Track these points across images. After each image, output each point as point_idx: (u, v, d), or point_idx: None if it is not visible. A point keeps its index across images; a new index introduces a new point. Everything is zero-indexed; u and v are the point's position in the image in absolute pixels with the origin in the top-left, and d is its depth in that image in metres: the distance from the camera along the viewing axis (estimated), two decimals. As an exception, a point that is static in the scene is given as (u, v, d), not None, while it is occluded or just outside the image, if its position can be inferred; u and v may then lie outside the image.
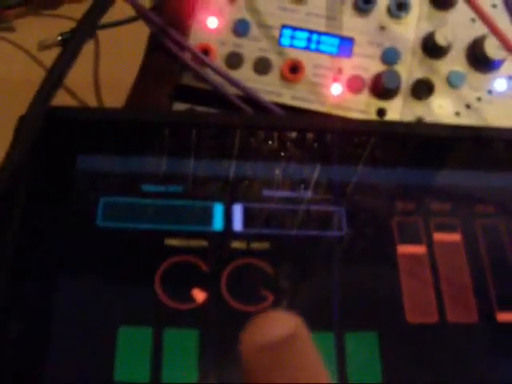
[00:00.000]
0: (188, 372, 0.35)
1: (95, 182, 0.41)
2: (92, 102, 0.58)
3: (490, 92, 0.50)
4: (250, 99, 0.48)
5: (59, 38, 0.60)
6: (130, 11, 0.58)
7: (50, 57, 0.60)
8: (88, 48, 0.60)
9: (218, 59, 0.49)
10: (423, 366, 0.37)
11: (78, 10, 0.62)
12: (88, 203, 0.40)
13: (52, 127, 0.41)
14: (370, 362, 0.37)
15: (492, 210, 0.42)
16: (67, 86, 0.59)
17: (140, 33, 0.56)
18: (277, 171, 0.42)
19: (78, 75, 0.55)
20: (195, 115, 0.44)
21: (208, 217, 0.40)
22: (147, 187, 0.41)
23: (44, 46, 0.60)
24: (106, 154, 0.42)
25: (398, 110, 0.48)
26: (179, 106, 0.49)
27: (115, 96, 0.56)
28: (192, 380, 0.35)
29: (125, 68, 0.56)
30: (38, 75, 0.59)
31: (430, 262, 0.40)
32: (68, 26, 0.62)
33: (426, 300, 0.39)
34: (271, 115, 0.47)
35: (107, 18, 0.59)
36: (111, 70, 0.59)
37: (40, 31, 0.62)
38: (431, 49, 0.48)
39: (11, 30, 0.62)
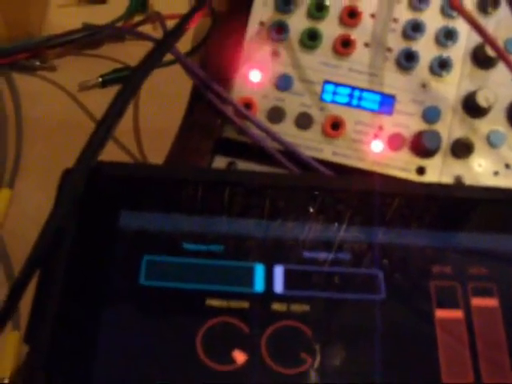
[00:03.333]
0: None
1: (138, 239, 0.41)
2: (133, 148, 0.58)
3: (529, 152, 0.50)
4: (291, 154, 0.48)
5: (100, 79, 0.61)
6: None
7: (89, 98, 0.61)
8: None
9: (260, 113, 0.50)
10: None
11: (119, 51, 0.63)
12: (131, 261, 0.40)
13: (96, 183, 0.42)
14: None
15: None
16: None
17: (181, 76, 0.57)
18: (317, 232, 0.42)
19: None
20: (238, 174, 0.45)
21: (249, 278, 0.40)
22: (189, 246, 0.41)
23: (84, 87, 0.61)
24: (148, 210, 0.42)
25: (437, 168, 0.48)
26: (221, 160, 0.50)
27: (158, 143, 0.56)
28: None
29: (167, 112, 0.57)
30: (77, 116, 0.60)
31: (467, 325, 0.40)
32: (108, 66, 0.63)
33: (462, 362, 0.39)
34: (312, 175, 0.47)
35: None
36: (153, 114, 0.60)
37: (80, 71, 0.63)
38: (472, 108, 0.49)
39: (52, 69, 0.63)
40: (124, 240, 0.41)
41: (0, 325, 0.36)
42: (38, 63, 0.64)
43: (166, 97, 0.60)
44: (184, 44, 0.61)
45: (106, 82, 0.62)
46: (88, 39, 0.64)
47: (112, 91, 0.59)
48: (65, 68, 0.64)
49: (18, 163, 0.56)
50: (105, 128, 0.39)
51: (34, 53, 0.63)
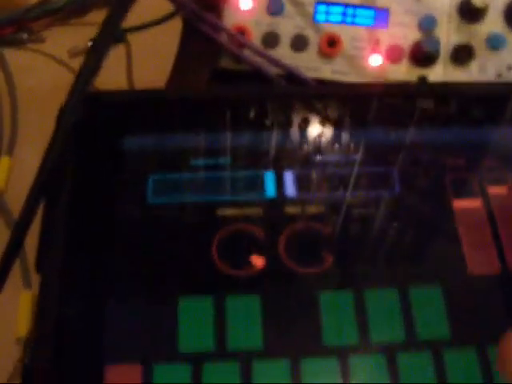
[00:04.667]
0: (252, 338, 0.35)
1: (143, 161, 0.41)
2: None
3: (531, 52, 0.49)
4: (291, 77, 0.48)
5: (90, 43, 0.60)
6: (160, 12, 0.58)
7: (79, 63, 0.60)
8: (120, 52, 0.60)
9: (255, 40, 0.49)
10: (489, 317, 0.36)
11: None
12: (138, 182, 0.40)
13: (97, 111, 0.41)
14: (436, 317, 0.36)
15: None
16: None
17: (172, 34, 0.57)
18: (326, 137, 0.41)
19: (112, 79, 0.56)
20: (236, 89, 0.44)
21: (260, 185, 0.40)
22: (196, 161, 0.40)
23: (74, 54, 0.60)
24: (151, 133, 0.42)
25: (438, 76, 0.48)
26: (218, 89, 0.49)
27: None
28: (257, 346, 0.34)
29: (158, 70, 0.56)
30: (70, 82, 0.59)
31: (488, 214, 0.39)
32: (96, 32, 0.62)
33: (487, 252, 0.38)
34: (318, 85, 0.46)
35: (137, 20, 0.59)
36: (145, 72, 0.59)
37: (70, 41, 0.62)
38: (468, 12, 0.48)
39: (41, 41, 0.62)
40: (129, 163, 0.40)
41: (9, 258, 0.35)
42: (25, 36, 0.63)
43: (160, 54, 0.59)
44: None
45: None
46: (71, 6, 0.63)
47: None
48: (54, 38, 0.63)
49: (14, 132, 0.56)
50: (96, 53, 0.38)
51: (21, 26, 0.63)
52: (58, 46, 0.63)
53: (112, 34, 0.38)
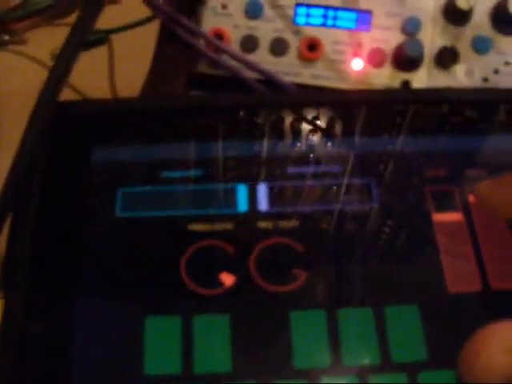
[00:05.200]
0: (221, 360, 0.33)
1: (112, 173, 0.39)
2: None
3: (518, 55, 0.47)
4: (269, 82, 0.46)
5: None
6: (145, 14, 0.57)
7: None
8: (102, 53, 0.59)
9: (233, 44, 0.47)
10: (469, 337, 0.35)
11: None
12: (106, 195, 0.38)
13: (64, 122, 0.40)
14: (412, 338, 0.34)
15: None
16: (83, 92, 0.57)
17: (155, 36, 0.55)
18: (302, 147, 0.40)
19: (94, 81, 0.54)
20: (211, 98, 0.42)
21: (232, 199, 0.38)
22: (167, 173, 0.39)
23: (56, 55, 0.59)
24: (121, 144, 0.40)
25: (422, 80, 0.46)
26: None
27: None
28: (225, 368, 0.33)
29: (142, 71, 0.55)
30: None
31: (469, 227, 0.37)
32: (80, 33, 0.61)
33: (467, 268, 0.36)
34: (293, 93, 0.45)
35: (121, 21, 0.58)
36: (126, 73, 0.58)
37: (52, 42, 0.61)
38: (453, 15, 0.46)
39: (23, 42, 0.61)
40: (99, 175, 0.39)
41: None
42: (7, 37, 0.62)
43: (142, 55, 0.58)
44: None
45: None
46: (54, 8, 0.62)
47: (85, 56, 0.57)
48: (36, 40, 0.63)
49: (-2, 135, 0.55)
50: (64, 61, 0.37)
51: (2, 27, 0.62)
52: (40, 48, 0.62)
53: (80, 40, 0.37)
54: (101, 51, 0.60)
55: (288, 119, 0.41)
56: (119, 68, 0.60)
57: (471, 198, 0.38)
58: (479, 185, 0.32)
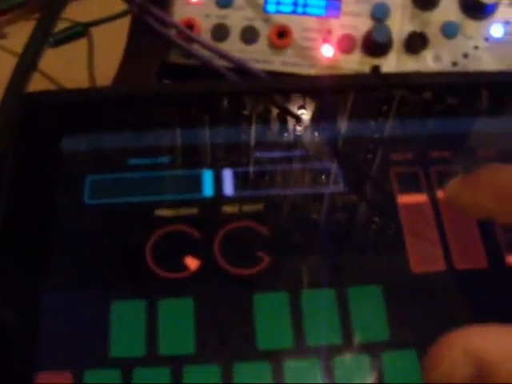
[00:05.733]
0: (184, 342, 0.34)
1: (80, 161, 0.40)
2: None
3: (487, 39, 0.47)
4: (240, 70, 0.46)
5: (51, 39, 0.59)
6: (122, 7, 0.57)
7: (43, 59, 0.59)
8: (81, 46, 0.59)
9: (204, 33, 0.48)
10: (432, 316, 0.35)
11: (69, 11, 0.61)
12: (75, 183, 0.39)
13: (34, 112, 0.40)
14: (375, 318, 0.34)
15: (494, 154, 0.40)
16: (63, 85, 0.58)
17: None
18: (267, 133, 0.40)
19: (73, 73, 0.55)
20: (177, 86, 0.43)
21: (197, 184, 0.39)
22: (134, 161, 0.39)
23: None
24: (90, 133, 0.41)
25: (392, 66, 0.46)
26: (166, 85, 0.48)
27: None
28: (189, 350, 0.33)
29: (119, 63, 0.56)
30: (33, 78, 0.58)
31: (434, 209, 0.38)
32: (59, 27, 0.61)
33: (431, 249, 0.37)
34: (258, 79, 0.45)
35: (100, 14, 0.59)
36: (106, 66, 0.58)
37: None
38: (421, 0, 0.47)
39: (2, 37, 0.61)
40: (67, 164, 0.39)
41: None
42: (-14, 32, 0.62)
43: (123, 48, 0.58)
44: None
45: (58, 42, 0.61)
46: (35, 1, 0.62)
47: (65, 50, 0.57)
48: (16, 34, 0.63)
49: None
50: (31, 53, 0.38)
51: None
52: (20, 42, 0.62)
53: (45, 35, 0.37)
54: (80, 44, 0.60)
55: (257, 105, 0.41)
56: (98, 60, 0.60)
57: (441, 195, 0.38)
58: (449, 184, 0.31)
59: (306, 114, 0.41)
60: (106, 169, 0.39)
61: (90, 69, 0.59)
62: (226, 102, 0.42)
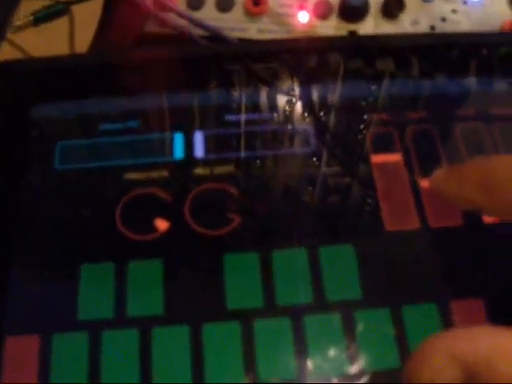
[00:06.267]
0: (153, 303, 0.33)
1: (51, 128, 0.39)
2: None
3: (465, 2, 0.47)
4: (216, 38, 0.46)
5: (31, 17, 0.59)
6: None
7: (24, 38, 0.59)
8: (63, 24, 0.58)
9: (179, 2, 0.47)
10: (405, 275, 0.34)
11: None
12: (45, 149, 0.38)
13: (5, 81, 0.40)
14: (347, 277, 0.34)
15: (472, 112, 0.40)
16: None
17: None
18: (238, 96, 0.40)
19: (55, 51, 0.54)
20: (145, 52, 0.42)
21: (168, 147, 0.38)
22: (104, 126, 0.39)
23: (16, 28, 0.59)
24: (60, 100, 0.40)
25: (369, 31, 0.46)
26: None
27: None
28: (158, 311, 0.33)
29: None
30: (13, 57, 0.57)
31: (408, 168, 0.37)
32: (40, 5, 0.61)
33: (406, 207, 0.36)
34: (229, 44, 0.45)
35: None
36: (87, 44, 0.58)
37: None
38: (398, -37, 0.46)
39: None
40: (38, 131, 0.39)
41: None
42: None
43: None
44: None
45: (39, 20, 0.60)
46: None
47: (46, 28, 0.57)
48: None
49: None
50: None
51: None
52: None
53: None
54: (61, 22, 0.59)
55: (227, 70, 0.41)
56: (79, 38, 0.59)
57: (426, 184, 0.37)
58: (434, 175, 0.31)
59: (277, 77, 0.41)
60: (76, 135, 0.39)
61: (71, 47, 0.59)
62: (196, 67, 0.41)
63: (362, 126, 0.39)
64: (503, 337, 0.22)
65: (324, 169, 0.38)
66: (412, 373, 0.23)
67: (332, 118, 0.39)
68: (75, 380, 0.32)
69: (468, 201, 0.28)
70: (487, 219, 0.36)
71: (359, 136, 0.39)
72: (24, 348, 0.33)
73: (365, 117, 0.39)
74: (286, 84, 0.41)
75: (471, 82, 0.41)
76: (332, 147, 0.38)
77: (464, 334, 0.23)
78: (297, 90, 0.40)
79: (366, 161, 0.38)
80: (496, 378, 0.21)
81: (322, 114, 0.39)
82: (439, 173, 0.30)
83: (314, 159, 0.38)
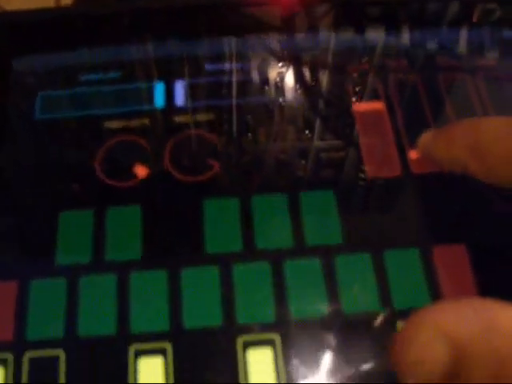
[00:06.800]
0: (131, 249, 0.33)
1: (33, 80, 0.39)
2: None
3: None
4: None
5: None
6: None
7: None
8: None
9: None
10: (387, 221, 0.34)
11: None
12: (26, 100, 0.38)
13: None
14: (328, 222, 0.34)
15: (455, 65, 0.39)
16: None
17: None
18: (217, 45, 0.40)
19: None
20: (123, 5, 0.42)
21: (149, 96, 0.38)
22: (85, 77, 0.39)
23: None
24: (41, 53, 0.40)
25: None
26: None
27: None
28: (135, 257, 0.33)
29: None
30: None
31: (391, 117, 0.37)
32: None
33: (387, 154, 0.36)
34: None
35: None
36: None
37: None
38: None
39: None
40: (18, 83, 0.39)
41: None
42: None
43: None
44: None
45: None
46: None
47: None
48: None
49: None
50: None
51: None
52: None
53: None
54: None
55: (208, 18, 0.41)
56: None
57: (412, 154, 0.37)
58: (423, 136, 0.31)
59: (260, 27, 0.40)
60: (57, 85, 0.39)
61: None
62: (176, 17, 0.41)
63: (344, 74, 0.39)
64: (491, 309, 0.21)
65: (303, 116, 0.37)
66: (399, 352, 0.22)
67: (312, 66, 0.39)
68: (52, 326, 0.32)
69: (457, 164, 0.28)
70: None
71: (341, 84, 0.38)
72: (1, 294, 0.32)
73: (346, 65, 0.39)
74: (268, 34, 0.40)
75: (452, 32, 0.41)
76: (311, 95, 0.38)
77: (451, 308, 0.22)
78: (274, 39, 0.40)
79: (349, 108, 0.37)
80: (487, 353, 0.20)
81: (302, 61, 0.39)
82: (427, 136, 0.30)
83: (294, 108, 0.37)
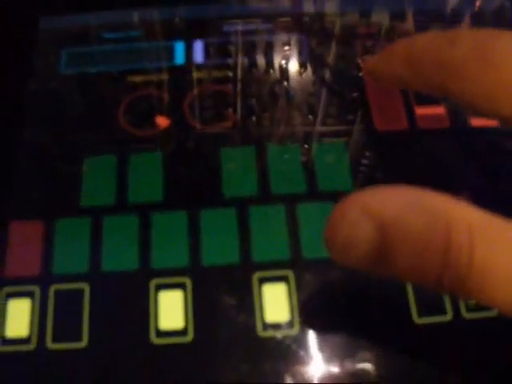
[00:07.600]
0: (153, 191, 0.35)
1: (58, 37, 0.41)
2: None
3: None
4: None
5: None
6: None
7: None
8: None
9: None
10: (393, 173, 0.36)
11: None
12: (51, 56, 0.40)
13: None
14: (339, 170, 0.36)
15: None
16: None
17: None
18: (235, 10, 0.42)
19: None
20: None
21: (169, 54, 0.40)
22: (108, 35, 0.40)
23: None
24: (67, 12, 0.42)
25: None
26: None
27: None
28: (157, 199, 0.35)
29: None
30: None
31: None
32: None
33: (395, 108, 0.38)
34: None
35: None
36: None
37: None
38: None
39: None
40: (44, 41, 0.41)
41: None
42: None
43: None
44: None
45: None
46: None
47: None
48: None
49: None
50: None
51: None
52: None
53: None
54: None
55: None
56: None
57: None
58: (368, 58, 0.33)
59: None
60: (81, 43, 0.41)
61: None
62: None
63: (352, 38, 0.40)
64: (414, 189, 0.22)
65: (316, 75, 0.39)
66: (329, 234, 0.23)
67: (324, 30, 0.41)
68: (77, 261, 0.33)
69: (396, 78, 0.29)
70: (474, 122, 0.37)
71: (350, 46, 0.40)
72: (28, 232, 0.34)
73: (355, 28, 0.41)
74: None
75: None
76: (321, 56, 0.40)
77: (378, 190, 0.23)
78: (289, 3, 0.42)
79: (357, 67, 0.39)
80: (404, 234, 0.21)
81: (313, 25, 0.41)
82: (370, 58, 0.31)
83: (306, 68, 0.39)
